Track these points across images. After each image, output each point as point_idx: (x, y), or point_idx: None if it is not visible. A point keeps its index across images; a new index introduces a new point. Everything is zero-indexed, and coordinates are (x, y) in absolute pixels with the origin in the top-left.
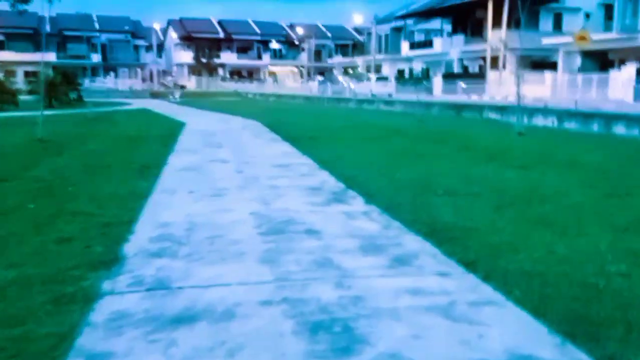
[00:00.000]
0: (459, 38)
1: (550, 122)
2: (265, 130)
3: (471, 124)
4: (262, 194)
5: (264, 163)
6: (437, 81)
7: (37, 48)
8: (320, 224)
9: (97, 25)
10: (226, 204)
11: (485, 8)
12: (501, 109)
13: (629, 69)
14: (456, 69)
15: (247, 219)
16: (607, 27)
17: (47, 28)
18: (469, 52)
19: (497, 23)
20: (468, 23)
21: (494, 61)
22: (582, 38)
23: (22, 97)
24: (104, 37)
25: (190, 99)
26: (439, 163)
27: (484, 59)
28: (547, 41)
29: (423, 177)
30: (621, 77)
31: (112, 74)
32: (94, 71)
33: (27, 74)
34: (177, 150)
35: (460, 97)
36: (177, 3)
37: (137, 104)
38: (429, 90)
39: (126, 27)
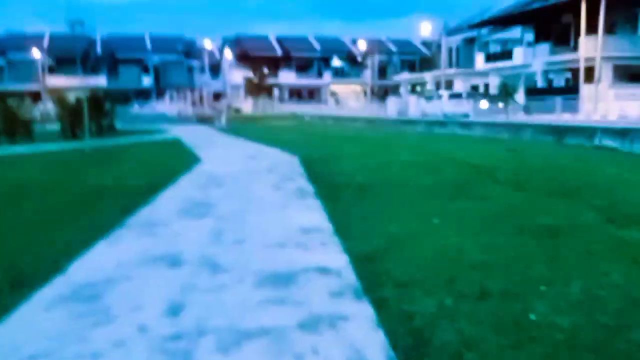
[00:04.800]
0: (544, 47)
1: None
2: (299, 171)
3: (585, 155)
4: None
5: (250, 267)
6: (519, 98)
7: (87, 72)
8: None
9: (149, 46)
10: None
11: (574, 12)
12: (620, 133)
13: None
14: (540, 82)
15: None
16: None
17: (98, 50)
18: (555, 63)
19: (587, 29)
20: (552, 30)
21: (586, 73)
22: None
23: (49, 127)
24: (156, 58)
25: (238, 124)
26: (598, 264)
27: (572, 70)
28: None
29: (584, 319)
30: None
31: (164, 97)
32: (146, 94)
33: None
34: (132, 224)
35: (549, 117)
36: (237, 23)
37: (174, 131)
38: (511, 110)
39: (180, 47)
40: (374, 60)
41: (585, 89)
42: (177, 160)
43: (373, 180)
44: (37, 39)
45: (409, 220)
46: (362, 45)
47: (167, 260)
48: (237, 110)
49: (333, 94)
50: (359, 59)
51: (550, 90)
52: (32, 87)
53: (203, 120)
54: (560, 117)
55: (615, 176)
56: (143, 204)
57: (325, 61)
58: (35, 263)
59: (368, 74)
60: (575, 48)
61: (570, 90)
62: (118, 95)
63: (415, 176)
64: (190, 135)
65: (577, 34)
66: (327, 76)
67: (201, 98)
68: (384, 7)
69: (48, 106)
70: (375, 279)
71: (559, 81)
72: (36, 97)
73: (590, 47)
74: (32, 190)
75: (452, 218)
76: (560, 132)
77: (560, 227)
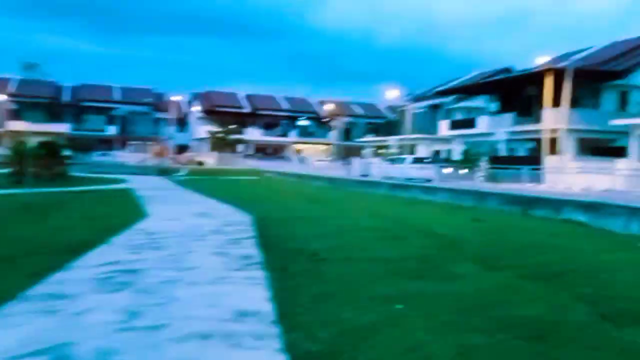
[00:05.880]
0: (507, 117)
1: None
2: (249, 234)
3: (556, 230)
4: None
5: None
6: (483, 165)
7: (53, 118)
8: None
9: (117, 97)
10: None
11: (538, 85)
12: (591, 207)
13: None
14: (503, 151)
15: None
16: None
17: (65, 98)
18: (518, 133)
19: (550, 102)
20: (516, 101)
21: (549, 144)
22: None
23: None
24: (123, 108)
25: (198, 178)
26: None
27: (535, 140)
28: (617, 122)
29: None
30: None
31: (128, 147)
32: (110, 143)
33: None
34: (33, 295)
35: (513, 186)
36: (210, 81)
37: (130, 182)
38: (472, 177)
39: (148, 99)
40: (340, 122)
41: (548, 160)
42: (121, 215)
43: (329, 249)
44: (2, 82)
45: (367, 305)
46: (328, 107)
47: (53, 354)
48: (201, 164)
49: (298, 152)
50: (325, 119)
51: (514, 159)
52: None
53: (163, 172)
54: (524, 187)
55: (594, 256)
56: (59, 268)
57: (292, 120)
58: None
59: (333, 135)
60: (538, 119)
61: (534, 160)
62: (81, 143)
63: (376, 246)
64: (145, 187)
65: (540, 106)
66: (292, 135)
67: (164, 150)
68: (354, 74)
69: (2, 150)
70: None
71: (522, 150)
72: None
73: (554, 119)
74: None
75: (418, 304)
76: (526, 202)
77: (549, 324)
